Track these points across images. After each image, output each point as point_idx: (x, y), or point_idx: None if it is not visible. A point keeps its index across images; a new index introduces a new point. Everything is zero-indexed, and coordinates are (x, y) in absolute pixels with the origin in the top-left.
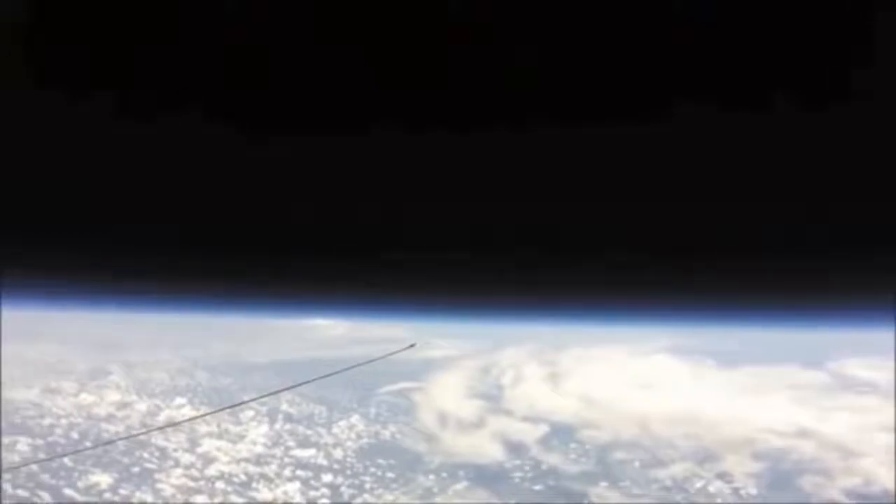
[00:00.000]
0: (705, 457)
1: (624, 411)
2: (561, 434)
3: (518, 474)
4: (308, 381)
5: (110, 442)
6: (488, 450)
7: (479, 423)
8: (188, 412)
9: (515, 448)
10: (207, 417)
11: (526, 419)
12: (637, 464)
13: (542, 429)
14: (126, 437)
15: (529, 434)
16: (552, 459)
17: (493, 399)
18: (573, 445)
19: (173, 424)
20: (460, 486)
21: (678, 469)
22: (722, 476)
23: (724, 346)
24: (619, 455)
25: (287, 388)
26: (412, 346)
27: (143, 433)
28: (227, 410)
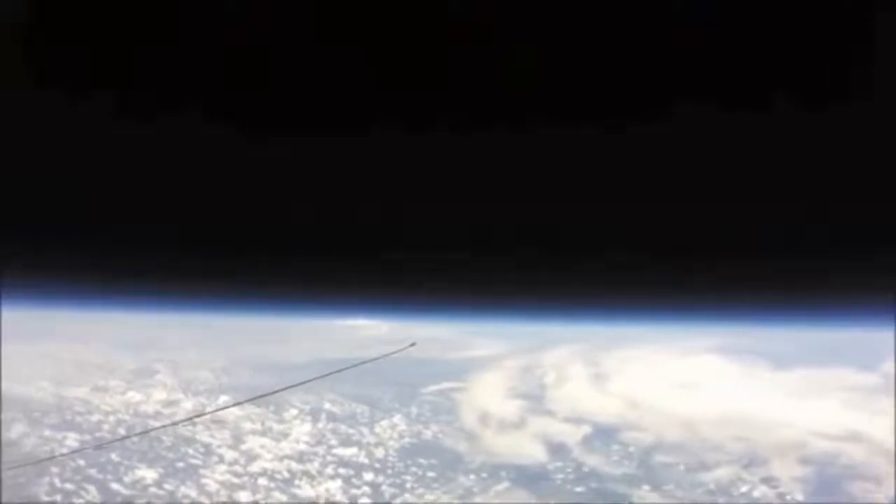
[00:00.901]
0: (751, 460)
1: (669, 413)
2: (604, 435)
3: (560, 476)
4: (306, 382)
5: (109, 442)
6: (530, 450)
7: (520, 424)
8: (232, 409)
9: (557, 449)
10: (252, 416)
11: (568, 420)
12: (681, 467)
13: (585, 430)
14: (122, 438)
15: (572, 435)
16: (594, 461)
17: (535, 399)
18: (616, 447)
19: (167, 425)
20: (501, 486)
21: (723, 473)
22: (767, 481)
23: (776, 346)
24: (662, 458)
25: (285, 389)
26: (412, 345)
27: (139, 434)
28: (271, 409)
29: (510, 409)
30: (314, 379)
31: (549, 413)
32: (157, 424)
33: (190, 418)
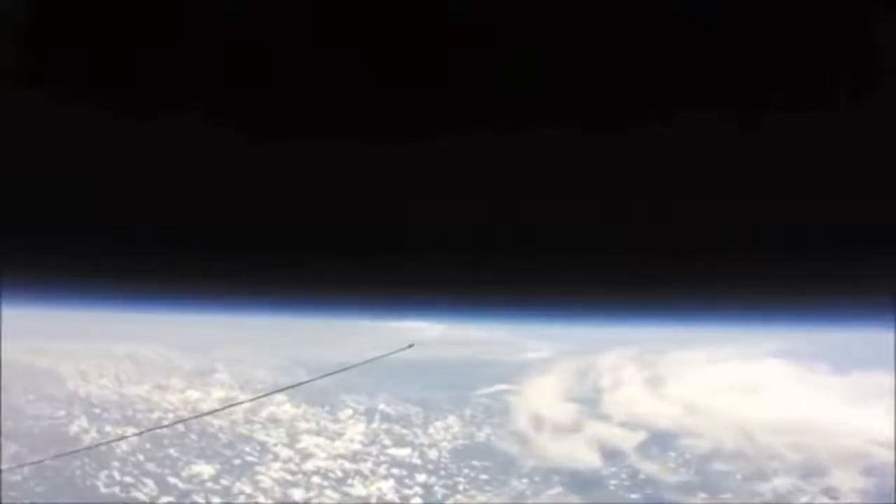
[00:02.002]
0: (811, 470)
1: (727, 419)
2: (660, 441)
3: (614, 482)
4: (304, 382)
5: (108, 442)
6: (584, 455)
7: (575, 428)
8: (288, 409)
9: (612, 454)
10: (308, 416)
11: (624, 425)
12: (739, 476)
13: (641, 435)
14: (117, 440)
15: (627, 440)
16: (650, 468)
17: (590, 403)
18: (672, 454)
19: (161, 427)
20: (554, 491)
21: (781, 483)
22: (827, 492)
23: (840, 349)
24: (720, 466)
25: (282, 389)
26: (411, 346)
27: (133, 436)
28: (326, 409)
29: (564, 412)
30: (314, 379)
31: (604, 417)
32: (217, 423)
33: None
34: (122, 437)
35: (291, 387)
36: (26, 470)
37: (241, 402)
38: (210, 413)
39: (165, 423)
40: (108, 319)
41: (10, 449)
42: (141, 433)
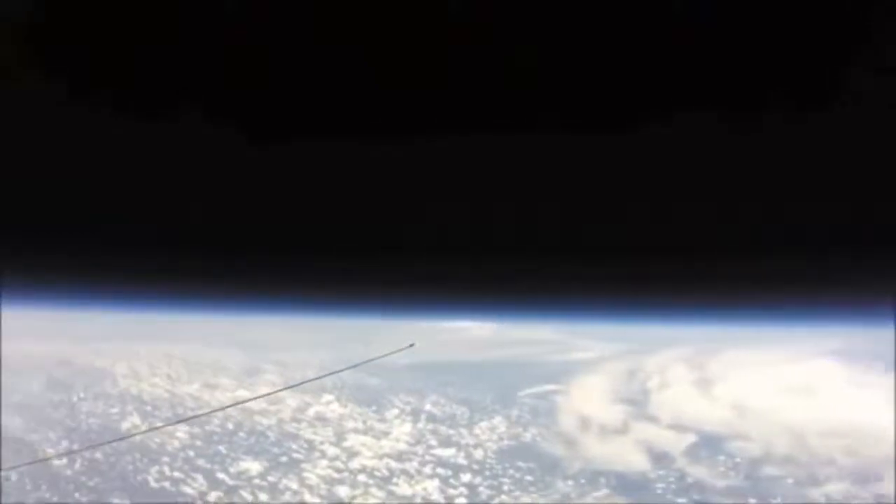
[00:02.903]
0: (866, 476)
1: (779, 421)
2: (709, 445)
3: (661, 485)
4: (302, 383)
5: (101, 444)
6: (631, 458)
7: (622, 429)
8: (336, 408)
9: (660, 457)
10: (355, 415)
11: (672, 427)
12: (790, 480)
13: (690, 438)
14: (109, 442)
15: (675, 443)
16: (698, 472)
17: (638, 404)
18: (722, 458)
19: (153, 429)
20: (600, 493)
21: (834, 489)
22: (881, 499)
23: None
24: (770, 470)
25: (279, 390)
26: (412, 345)
27: (124, 437)
28: (372, 408)
29: (611, 413)
30: (310, 380)
31: (653, 419)
32: (266, 422)
33: (144, 431)
34: (122, 438)
35: (291, 387)
36: (78, 464)
37: (243, 401)
38: (208, 413)
39: (216, 421)
40: (162, 322)
41: (63, 444)
42: (142, 433)
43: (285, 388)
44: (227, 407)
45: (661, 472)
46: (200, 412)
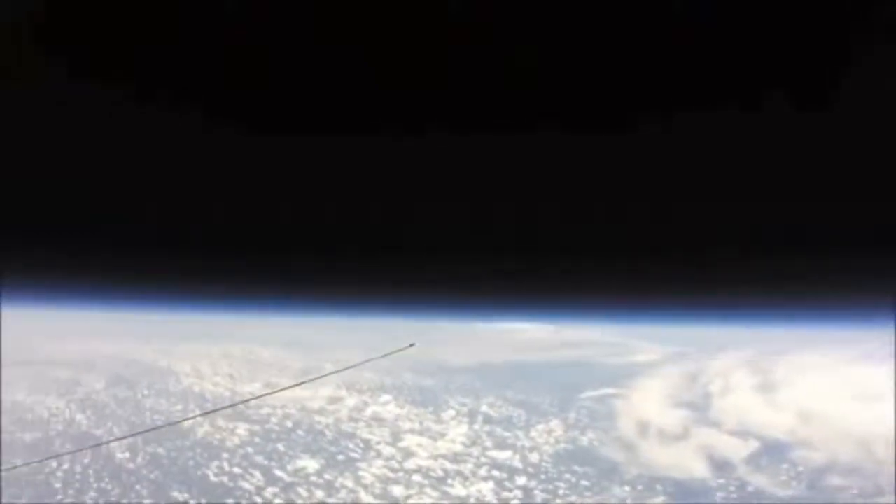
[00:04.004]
0: None
1: (845, 429)
2: (772, 452)
3: (721, 494)
4: (295, 385)
5: (106, 443)
6: (690, 464)
7: (682, 435)
8: (393, 408)
9: (720, 465)
10: (411, 416)
11: (734, 433)
12: (854, 491)
13: (752, 445)
14: (100, 444)
15: (737, 450)
16: (760, 480)
17: (698, 409)
18: (784, 466)
19: (139, 433)
20: (657, 500)
21: None
22: None
23: None
24: (835, 480)
25: (273, 392)
26: (412, 345)
27: (126, 438)
28: (429, 409)
29: (671, 418)
30: (305, 381)
31: (714, 424)
32: (324, 421)
33: (138, 433)
34: (116, 439)
35: (291, 387)
36: (141, 457)
37: (245, 400)
38: (202, 415)
39: (275, 419)
40: (226, 322)
41: (126, 439)
42: (132, 435)
43: (283, 389)
44: (220, 410)
45: (721, 481)
46: (221, 411)
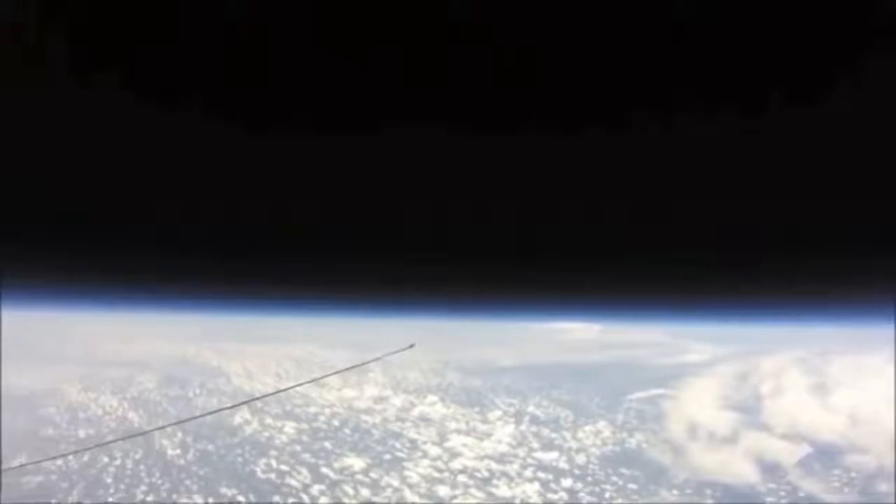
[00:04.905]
0: None
1: None
2: (824, 457)
3: (771, 499)
4: (290, 388)
5: (105, 444)
6: (740, 469)
7: (732, 438)
8: (439, 409)
9: (771, 469)
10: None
11: (785, 437)
12: None
13: (803, 449)
14: (91, 448)
15: (788, 454)
16: (811, 486)
17: (749, 411)
18: (836, 472)
19: (141, 433)
20: None
21: None
22: None
23: None
24: (887, 487)
25: (273, 393)
26: (412, 345)
27: (119, 440)
28: (475, 409)
29: (722, 420)
30: (299, 384)
31: (765, 427)
32: (371, 420)
33: (127, 436)
34: (108, 443)
35: (292, 386)
36: (191, 454)
37: (246, 402)
38: (191, 419)
39: (322, 418)
40: (273, 323)
41: (178, 436)
42: (118, 440)
43: (284, 390)
44: (217, 411)
45: (771, 486)
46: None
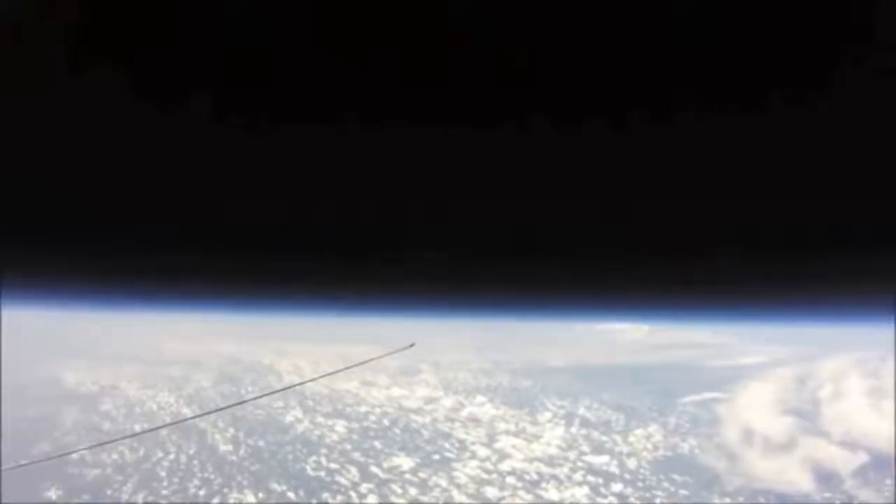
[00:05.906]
0: None
1: None
2: (881, 466)
3: None
4: (283, 390)
5: (109, 442)
6: (795, 477)
7: (788, 445)
8: (488, 409)
9: (826, 478)
10: (507, 417)
11: (843, 444)
12: None
13: (861, 457)
14: (85, 449)
15: (845, 462)
16: (867, 495)
17: (806, 417)
18: (888, 482)
19: (136, 434)
20: None
21: None
22: None
23: None
24: None
25: (267, 394)
26: (412, 345)
27: (101, 445)
28: (525, 411)
29: (777, 426)
30: (291, 386)
31: (822, 434)
32: (420, 420)
33: (123, 438)
34: (104, 443)
35: (292, 386)
36: (243, 450)
37: (241, 403)
38: (183, 421)
39: (372, 417)
40: (328, 323)
41: (230, 431)
42: (113, 441)
43: (279, 390)
44: (210, 413)
45: (826, 495)
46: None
